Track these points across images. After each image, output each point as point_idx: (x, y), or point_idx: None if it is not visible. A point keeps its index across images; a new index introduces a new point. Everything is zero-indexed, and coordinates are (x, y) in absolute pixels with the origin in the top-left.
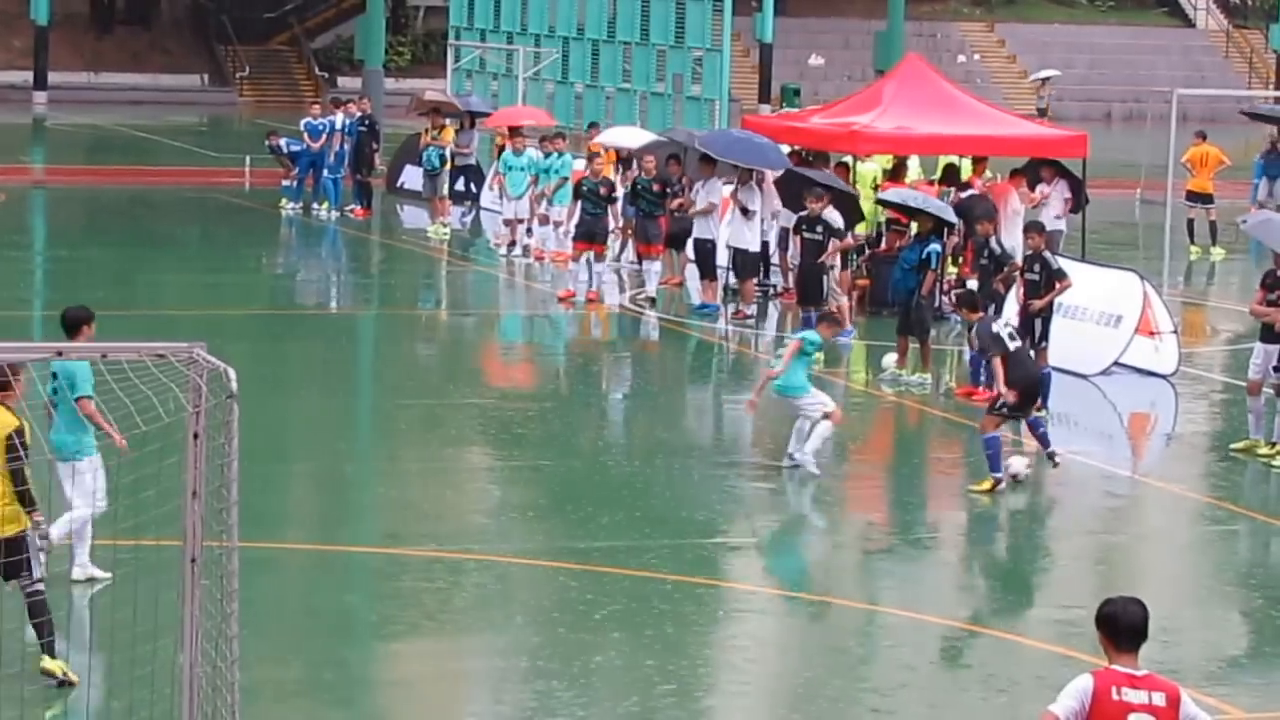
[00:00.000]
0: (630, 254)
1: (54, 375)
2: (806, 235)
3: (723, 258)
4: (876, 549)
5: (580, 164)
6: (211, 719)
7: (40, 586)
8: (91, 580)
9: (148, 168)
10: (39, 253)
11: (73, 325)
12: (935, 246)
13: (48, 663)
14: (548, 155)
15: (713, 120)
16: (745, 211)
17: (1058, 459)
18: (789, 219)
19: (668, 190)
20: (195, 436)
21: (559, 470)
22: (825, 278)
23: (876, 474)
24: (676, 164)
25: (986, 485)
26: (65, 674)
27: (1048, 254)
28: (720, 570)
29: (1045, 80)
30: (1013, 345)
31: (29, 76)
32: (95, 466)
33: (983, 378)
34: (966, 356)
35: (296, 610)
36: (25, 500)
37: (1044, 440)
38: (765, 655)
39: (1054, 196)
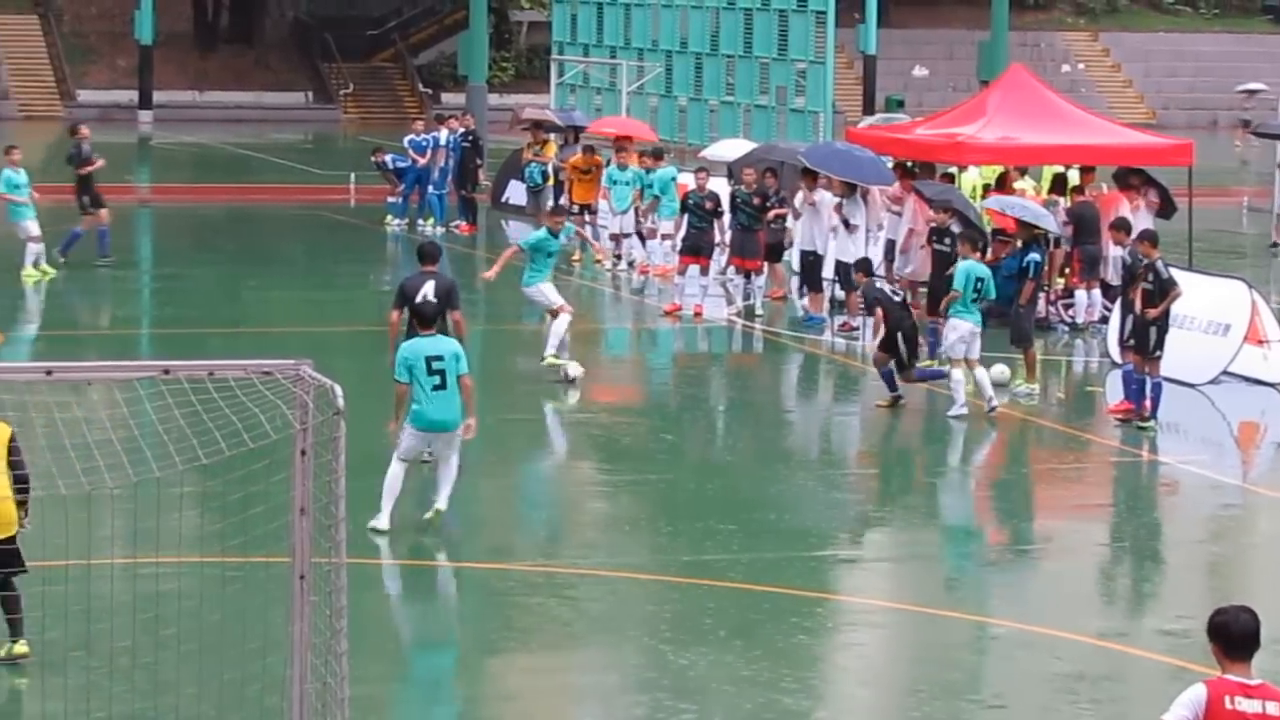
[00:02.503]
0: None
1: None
2: (937, 247)
3: (829, 270)
4: (986, 560)
5: (687, 178)
6: None
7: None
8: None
9: (252, 185)
10: (145, 272)
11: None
12: (1035, 255)
13: (20, 646)
14: (649, 170)
15: (816, 132)
16: (848, 224)
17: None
18: (894, 231)
19: (766, 203)
20: (302, 453)
21: (666, 484)
22: None
23: (985, 485)
24: (773, 177)
25: (888, 401)
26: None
27: (1160, 263)
28: (829, 582)
29: (1252, 93)
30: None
31: (134, 96)
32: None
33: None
34: (1118, 373)
35: (405, 626)
36: (24, 491)
37: (935, 375)
38: (875, 668)
39: (1143, 206)
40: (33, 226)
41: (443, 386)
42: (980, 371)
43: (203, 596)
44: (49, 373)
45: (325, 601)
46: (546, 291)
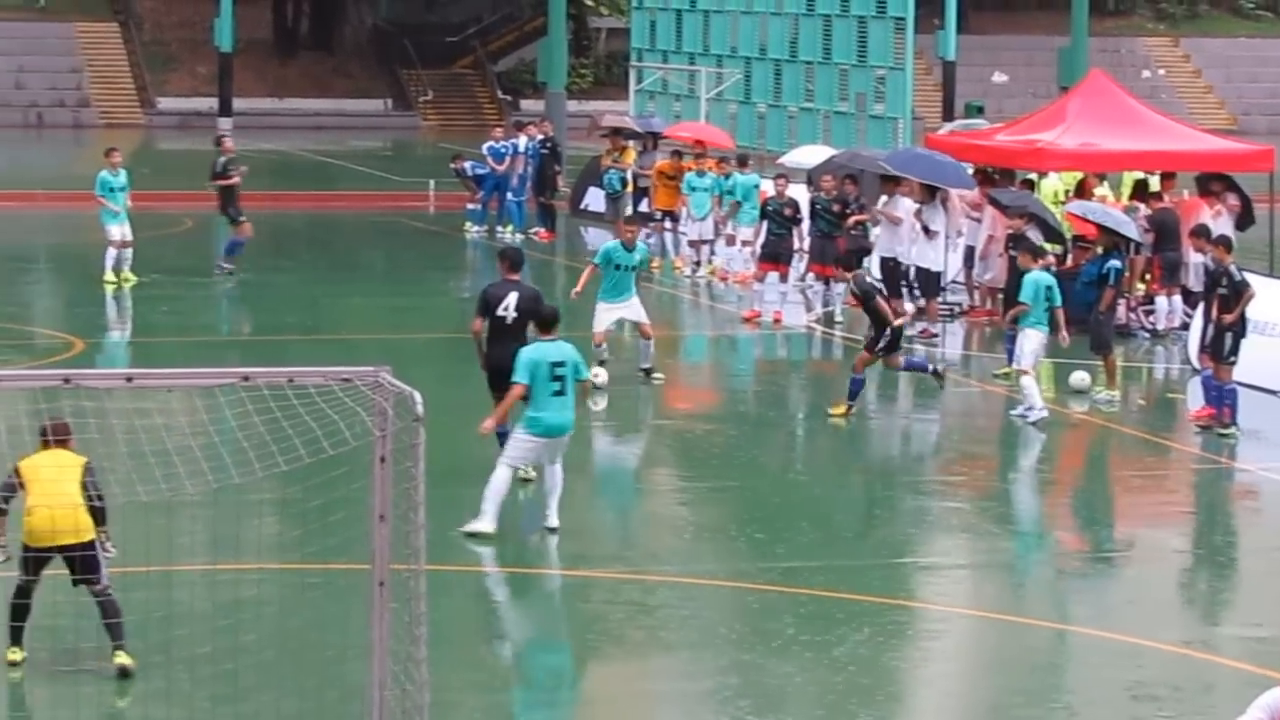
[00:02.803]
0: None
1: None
2: (1014, 254)
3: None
4: (1066, 568)
5: (766, 185)
6: None
7: (109, 590)
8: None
9: (332, 193)
10: (225, 278)
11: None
12: (1115, 262)
13: (121, 657)
14: (728, 176)
15: (895, 139)
16: (927, 231)
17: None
18: (973, 237)
19: (846, 210)
20: (382, 460)
21: (745, 491)
22: None
23: (1065, 492)
24: (853, 183)
25: (841, 410)
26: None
27: (1233, 267)
28: (909, 589)
29: None
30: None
31: (214, 103)
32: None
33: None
34: (1199, 379)
35: (484, 632)
36: (100, 517)
37: (919, 366)
38: (954, 675)
39: (1224, 211)
40: (116, 231)
41: (562, 392)
42: (1027, 380)
43: (282, 603)
44: (129, 379)
45: (404, 608)
46: (600, 311)
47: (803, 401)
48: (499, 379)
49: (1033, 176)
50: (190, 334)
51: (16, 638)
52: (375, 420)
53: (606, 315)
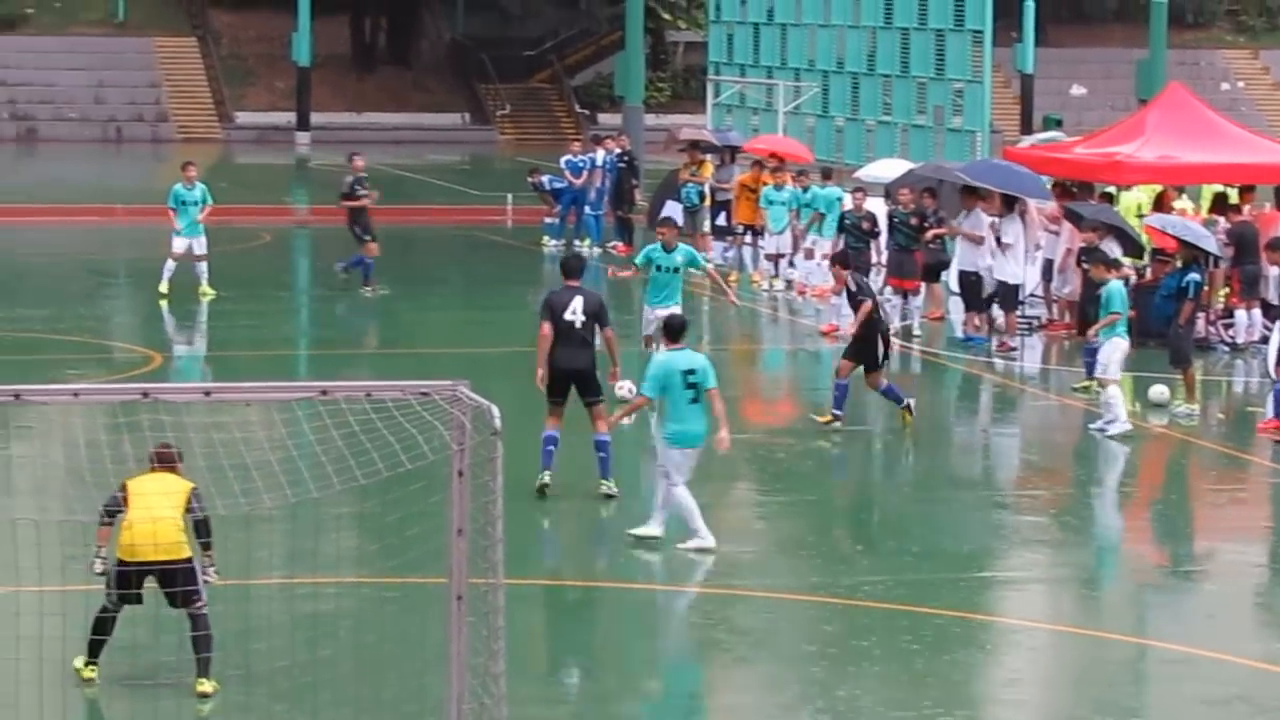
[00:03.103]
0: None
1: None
2: (1085, 266)
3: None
4: (1146, 582)
5: (846, 198)
6: None
7: (204, 607)
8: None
9: (410, 206)
10: (303, 292)
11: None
12: (1195, 275)
13: (204, 685)
14: (805, 189)
15: (973, 152)
16: (1000, 243)
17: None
18: (1052, 250)
19: (924, 223)
20: (459, 474)
21: (823, 505)
22: None
23: (1143, 506)
24: (932, 197)
25: (826, 417)
26: (216, 689)
27: None
28: (988, 604)
29: None
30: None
31: (292, 117)
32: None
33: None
34: (1274, 392)
35: (561, 647)
36: (207, 544)
37: (895, 397)
38: (1033, 689)
39: None
40: (180, 244)
41: (697, 400)
42: (1114, 390)
43: (360, 617)
44: (207, 393)
45: (482, 622)
46: (646, 314)
47: (880, 415)
48: (566, 382)
49: (1111, 190)
50: (268, 348)
51: (94, 652)
52: (453, 434)
53: (652, 318)
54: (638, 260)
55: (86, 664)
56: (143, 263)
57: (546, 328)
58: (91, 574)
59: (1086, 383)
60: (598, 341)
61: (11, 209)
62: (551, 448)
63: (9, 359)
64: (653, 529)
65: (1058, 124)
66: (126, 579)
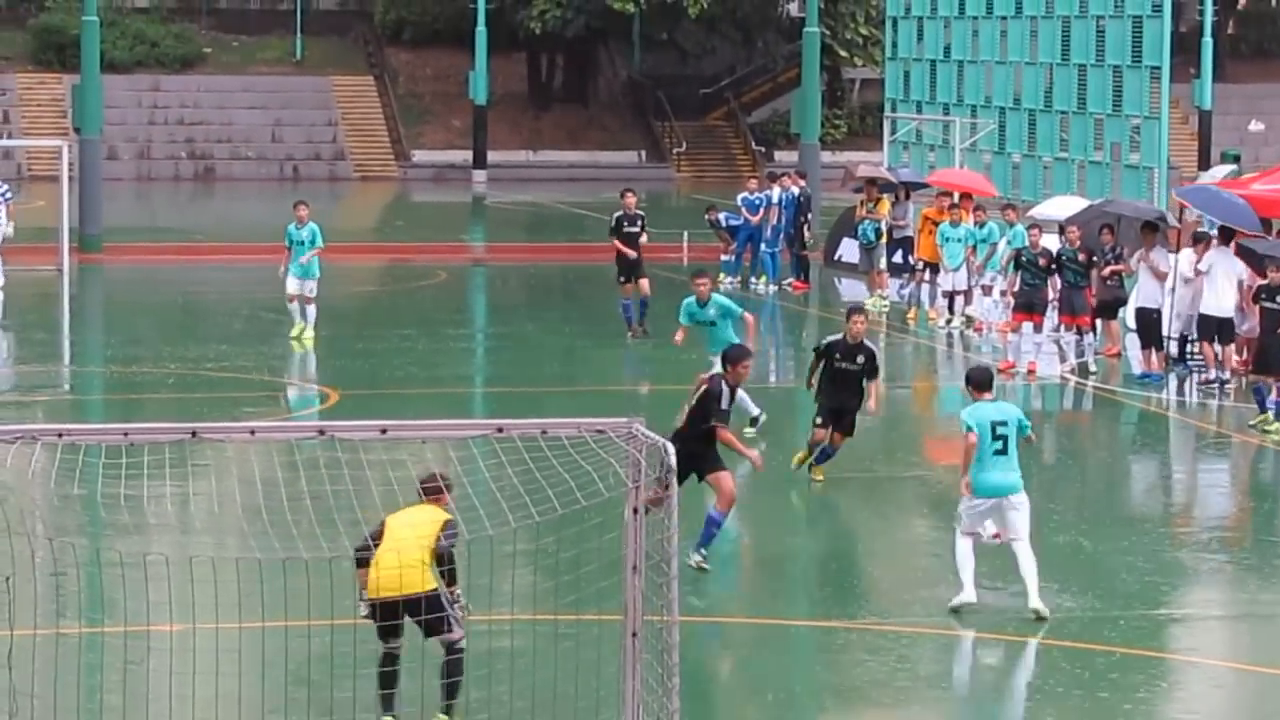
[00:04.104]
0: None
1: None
2: (1266, 305)
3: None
4: None
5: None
6: None
7: (462, 645)
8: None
9: (585, 244)
10: (479, 330)
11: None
12: None
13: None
14: (981, 225)
15: (1151, 189)
16: (1198, 274)
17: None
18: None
19: (1094, 259)
20: (635, 511)
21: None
22: None
23: None
24: (1110, 233)
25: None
26: None
27: None
28: (1167, 641)
29: None
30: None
31: (468, 156)
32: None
33: None
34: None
35: (736, 684)
36: (451, 578)
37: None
38: None
39: None
40: (293, 284)
41: (1004, 451)
42: None
43: (535, 653)
44: (384, 431)
45: (657, 659)
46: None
47: (1053, 451)
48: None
49: None
50: (443, 385)
51: (388, 706)
52: (628, 471)
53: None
54: (680, 318)
55: (383, 717)
56: (321, 301)
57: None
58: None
59: (1262, 418)
60: None
61: (188, 248)
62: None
63: (186, 397)
64: (1032, 602)
65: (1236, 159)
66: (374, 616)
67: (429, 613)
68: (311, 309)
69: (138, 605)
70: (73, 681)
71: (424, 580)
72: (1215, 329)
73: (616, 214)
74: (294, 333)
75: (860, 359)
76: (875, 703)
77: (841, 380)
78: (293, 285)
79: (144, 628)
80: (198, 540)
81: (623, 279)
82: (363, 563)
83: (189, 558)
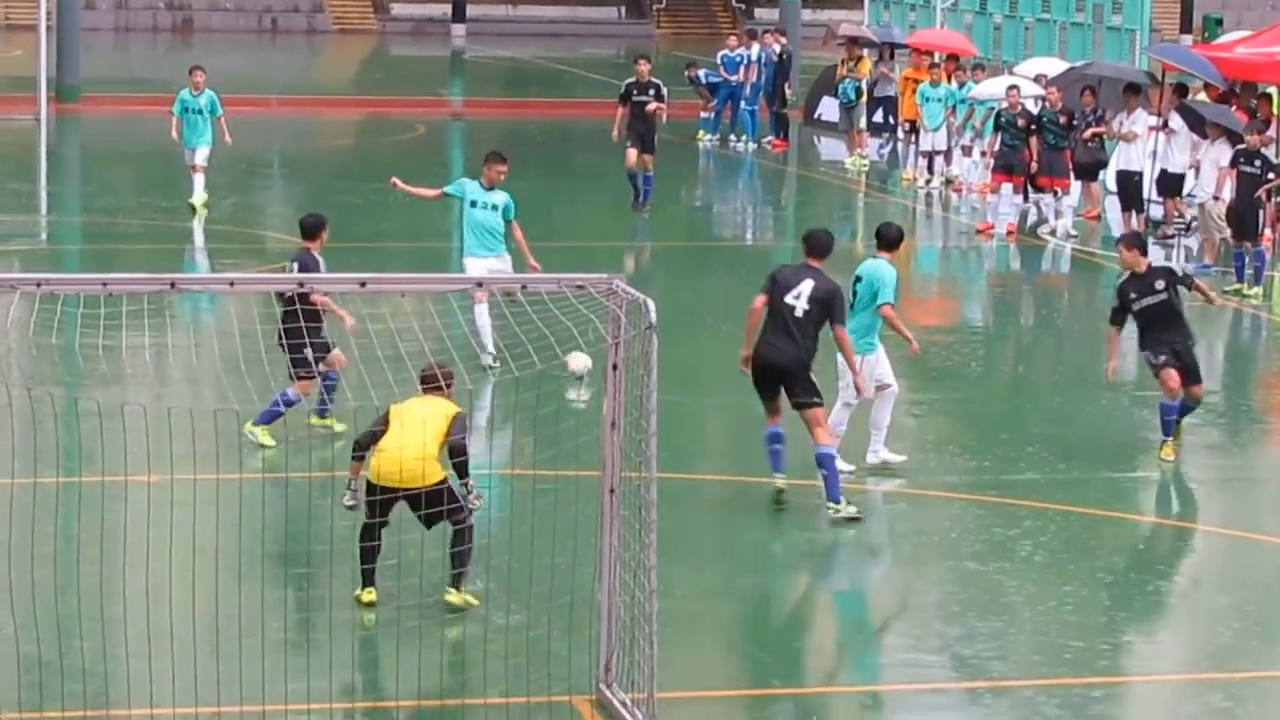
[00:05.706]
0: None
1: (857, 278)
2: (1244, 169)
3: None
4: None
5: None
6: (629, 648)
7: (469, 521)
8: (885, 464)
9: (565, 100)
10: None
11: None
12: None
13: (451, 595)
14: (962, 85)
15: (1133, 52)
16: (1166, 127)
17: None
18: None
19: (1074, 122)
20: (614, 367)
21: (975, 403)
22: (1261, 213)
23: None
24: (1091, 95)
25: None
26: (466, 603)
27: None
28: (1139, 503)
29: None
30: None
31: (448, 10)
32: (872, 363)
33: None
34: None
35: (713, 542)
36: (463, 470)
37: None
38: (1183, 591)
39: None
40: (188, 154)
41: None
42: None
43: (512, 509)
44: (363, 284)
45: (635, 515)
46: (467, 264)
47: (1034, 314)
48: (769, 378)
49: (1272, 91)
50: (421, 240)
51: (368, 579)
52: (609, 327)
53: (475, 266)
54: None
55: (363, 590)
56: (297, 154)
57: (759, 301)
58: (343, 507)
59: (1238, 286)
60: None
61: (166, 99)
62: (777, 446)
63: (164, 248)
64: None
65: (1218, 24)
66: (373, 503)
67: (429, 506)
68: (201, 177)
69: (115, 455)
70: (50, 532)
71: (429, 473)
72: (1164, 183)
73: (628, 80)
74: (197, 201)
75: (1159, 284)
76: (843, 562)
77: (1157, 317)
78: (189, 155)
79: (121, 478)
80: (176, 391)
81: (630, 145)
82: (358, 455)
83: (167, 409)
